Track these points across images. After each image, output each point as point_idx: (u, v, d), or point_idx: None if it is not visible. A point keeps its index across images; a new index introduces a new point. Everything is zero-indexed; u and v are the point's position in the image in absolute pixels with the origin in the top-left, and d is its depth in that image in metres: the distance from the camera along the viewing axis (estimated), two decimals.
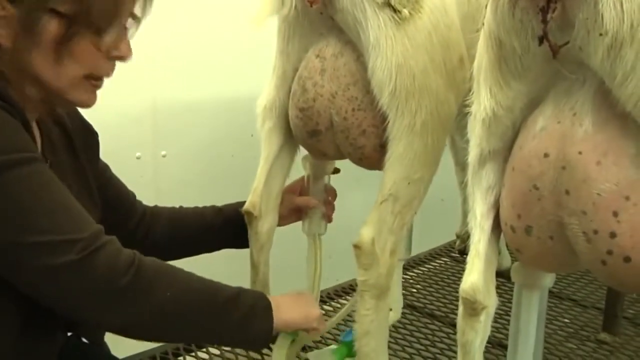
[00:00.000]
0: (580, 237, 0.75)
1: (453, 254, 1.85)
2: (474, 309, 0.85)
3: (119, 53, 0.87)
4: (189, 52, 1.65)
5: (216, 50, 1.70)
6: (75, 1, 0.80)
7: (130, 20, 0.89)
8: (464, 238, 1.83)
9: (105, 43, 0.84)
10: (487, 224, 0.87)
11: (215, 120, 1.73)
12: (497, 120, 0.83)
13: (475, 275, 0.86)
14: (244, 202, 1.16)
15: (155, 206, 1.23)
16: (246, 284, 1.21)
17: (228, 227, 1.21)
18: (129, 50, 0.89)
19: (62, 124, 1.01)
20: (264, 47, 1.69)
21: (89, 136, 1.08)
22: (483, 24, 0.85)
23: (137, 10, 0.88)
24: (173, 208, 1.24)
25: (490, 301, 0.87)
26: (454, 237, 1.88)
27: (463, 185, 1.72)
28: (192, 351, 1.34)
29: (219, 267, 1.71)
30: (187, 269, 0.91)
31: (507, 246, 1.52)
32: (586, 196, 0.73)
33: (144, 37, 1.52)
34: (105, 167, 1.14)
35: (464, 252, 1.84)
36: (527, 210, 0.80)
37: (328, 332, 1.34)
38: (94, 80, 0.87)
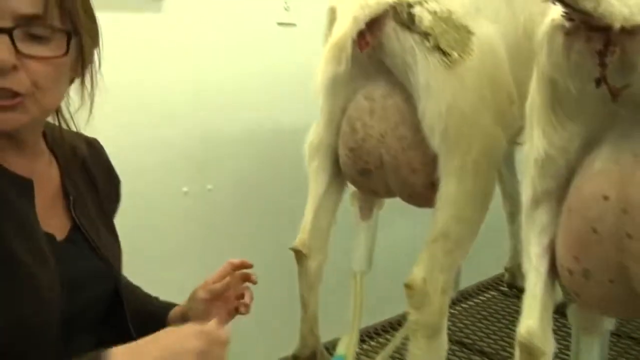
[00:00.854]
0: None
1: (502, 288, 1.82)
2: (531, 354, 0.84)
3: None
4: (234, 85, 1.69)
5: (261, 82, 1.73)
6: None
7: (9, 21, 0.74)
8: (513, 271, 1.80)
9: None
10: (543, 266, 0.86)
11: (261, 153, 1.76)
12: (551, 161, 0.83)
13: (532, 320, 0.84)
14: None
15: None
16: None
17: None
18: (2, 57, 0.73)
19: (83, 163, 0.96)
20: (308, 79, 1.74)
21: (112, 179, 1.03)
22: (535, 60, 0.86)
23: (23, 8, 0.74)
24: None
25: (549, 347, 0.85)
26: (502, 270, 1.86)
27: (510, 216, 1.73)
28: None
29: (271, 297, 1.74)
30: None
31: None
32: None
33: (189, 71, 1.58)
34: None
35: (513, 285, 1.81)
36: (585, 253, 0.79)
37: None
38: None
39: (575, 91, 0.77)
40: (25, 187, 0.82)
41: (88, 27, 0.83)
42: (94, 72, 0.88)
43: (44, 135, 0.91)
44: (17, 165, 0.83)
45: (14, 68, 0.74)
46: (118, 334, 0.89)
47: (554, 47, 0.76)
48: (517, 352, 0.86)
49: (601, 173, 0.78)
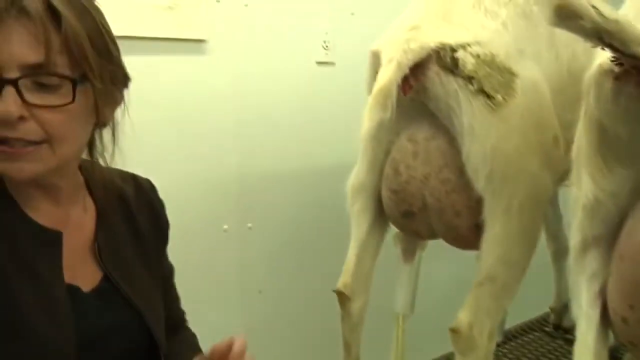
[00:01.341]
0: None
1: (546, 329, 1.79)
2: None
3: None
4: (275, 124, 1.71)
5: (301, 121, 1.76)
6: None
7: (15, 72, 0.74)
8: (559, 312, 1.77)
9: None
10: (595, 314, 0.84)
11: (300, 192, 1.78)
12: (601, 206, 0.82)
13: None
14: None
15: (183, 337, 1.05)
16: None
17: None
18: (6, 109, 0.72)
19: (126, 204, 0.94)
20: (347, 117, 1.76)
21: (159, 221, 0.99)
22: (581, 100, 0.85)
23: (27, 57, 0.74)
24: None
25: None
26: (547, 310, 1.82)
27: (555, 255, 1.70)
28: None
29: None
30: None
31: None
32: None
33: (231, 110, 1.62)
34: (170, 273, 1.03)
35: (559, 326, 1.77)
36: None
37: None
38: None
39: (625, 136, 0.77)
40: (52, 239, 0.81)
41: (104, 70, 0.79)
42: (115, 115, 0.85)
43: (85, 178, 0.89)
44: (49, 214, 0.82)
45: (22, 118, 0.73)
46: None
47: (602, 92, 0.77)
48: None
49: None
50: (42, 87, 0.74)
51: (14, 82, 0.72)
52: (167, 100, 1.51)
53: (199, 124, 1.58)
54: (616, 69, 0.74)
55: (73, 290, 0.81)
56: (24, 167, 0.76)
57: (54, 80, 0.75)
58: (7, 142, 0.74)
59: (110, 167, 0.91)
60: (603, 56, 0.76)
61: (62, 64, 0.75)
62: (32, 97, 0.73)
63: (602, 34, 0.69)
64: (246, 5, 1.62)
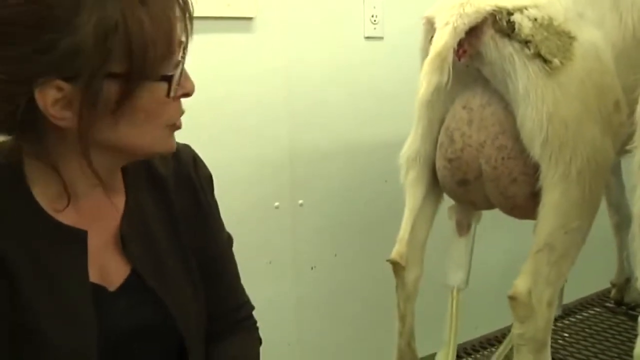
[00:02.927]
0: None
1: (608, 304, 1.77)
2: None
3: (184, 90, 0.79)
4: (323, 101, 1.74)
5: (350, 97, 1.78)
6: (129, 57, 0.72)
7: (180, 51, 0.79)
8: (621, 287, 1.74)
9: (170, 87, 0.76)
10: None
11: (350, 168, 1.80)
12: None
13: None
14: None
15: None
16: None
17: None
18: (191, 84, 0.80)
19: (160, 182, 0.90)
20: (397, 93, 1.76)
21: (198, 198, 0.93)
22: None
23: (183, 36, 0.78)
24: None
25: None
26: (608, 285, 1.80)
27: (617, 227, 1.67)
28: None
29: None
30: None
31: None
32: None
33: (279, 88, 1.65)
34: (217, 250, 0.96)
35: (620, 302, 1.74)
36: None
37: None
38: (173, 126, 0.81)
39: None
40: (76, 238, 0.79)
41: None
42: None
43: None
44: (75, 208, 0.80)
45: None
46: None
47: None
48: None
49: None
50: None
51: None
52: (217, 77, 1.55)
53: (249, 101, 1.62)
54: None
55: (98, 290, 0.80)
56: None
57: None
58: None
59: None
60: None
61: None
62: None
63: None
64: None
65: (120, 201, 0.85)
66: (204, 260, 0.91)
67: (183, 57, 0.77)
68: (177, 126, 0.81)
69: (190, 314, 0.86)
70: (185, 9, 0.76)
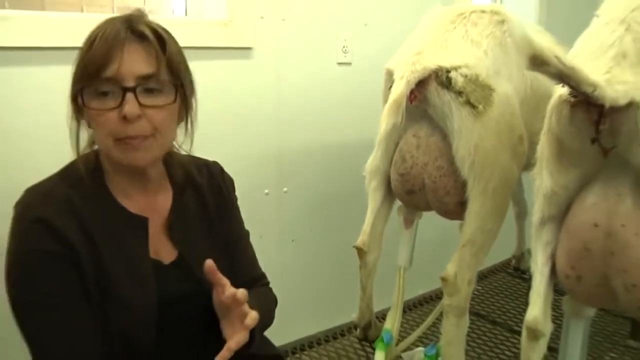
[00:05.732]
0: (621, 288, 0.80)
1: (509, 270, 1.87)
2: (535, 336, 0.89)
3: (123, 113, 0.74)
4: (307, 110, 1.71)
5: (327, 108, 1.76)
6: (76, 71, 0.76)
7: (135, 80, 0.76)
8: (519, 258, 1.83)
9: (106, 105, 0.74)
10: (546, 271, 0.90)
11: (326, 163, 1.78)
12: (555, 195, 0.87)
13: (537, 310, 0.89)
14: None
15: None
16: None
17: None
18: (130, 110, 0.74)
19: (198, 188, 0.91)
20: (363, 105, 1.76)
21: (224, 201, 0.94)
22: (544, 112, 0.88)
23: (142, 70, 0.76)
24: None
25: (548, 329, 0.90)
26: (510, 256, 1.90)
27: (517, 216, 1.76)
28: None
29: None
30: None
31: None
32: (627, 258, 0.78)
33: (271, 101, 1.64)
34: (239, 237, 0.97)
35: (518, 269, 1.84)
36: (579, 264, 0.84)
37: (418, 339, 1.38)
38: (119, 140, 0.76)
39: (576, 148, 0.82)
40: (140, 223, 0.82)
41: (188, 79, 0.83)
42: (193, 116, 0.86)
43: (166, 167, 0.89)
44: (138, 202, 0.83)
45: (138, 117, 0.75)
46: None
47: (561, 115, 0.81)
48: (524, 334, 0.91)
49: (593, 206, 0.82)
50: (150, 92, 0.77)
51: (133, 90, 0.75)
52: (222, 95, 1.54)
53: (247, 112, 1.60)
54: (572, 99, 0.78)
55: (156, 263, 0.82)
56: (141, 156, 0.78)
57: (159, 86, 0.77)
58: (127, 139, 0.76)
59: (187, 155, 0.90)
60: (563, 90, 0.80)
61: (165, 75, 0.78)
62: (145, 100, 0.76)
63: (562, 77, 0.73)
64: (284, 20, 1.63)
65: (168, 200, 0.88)
66: (232, 241, 0.94)
67: (134, 88, 0.75)
68: (124, 142, 0.76)
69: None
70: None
